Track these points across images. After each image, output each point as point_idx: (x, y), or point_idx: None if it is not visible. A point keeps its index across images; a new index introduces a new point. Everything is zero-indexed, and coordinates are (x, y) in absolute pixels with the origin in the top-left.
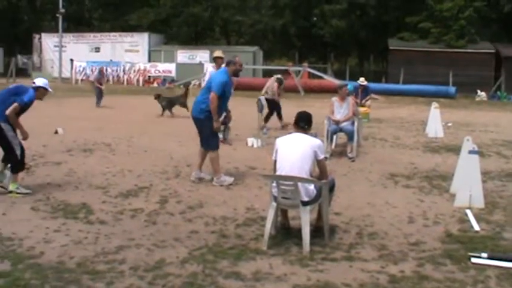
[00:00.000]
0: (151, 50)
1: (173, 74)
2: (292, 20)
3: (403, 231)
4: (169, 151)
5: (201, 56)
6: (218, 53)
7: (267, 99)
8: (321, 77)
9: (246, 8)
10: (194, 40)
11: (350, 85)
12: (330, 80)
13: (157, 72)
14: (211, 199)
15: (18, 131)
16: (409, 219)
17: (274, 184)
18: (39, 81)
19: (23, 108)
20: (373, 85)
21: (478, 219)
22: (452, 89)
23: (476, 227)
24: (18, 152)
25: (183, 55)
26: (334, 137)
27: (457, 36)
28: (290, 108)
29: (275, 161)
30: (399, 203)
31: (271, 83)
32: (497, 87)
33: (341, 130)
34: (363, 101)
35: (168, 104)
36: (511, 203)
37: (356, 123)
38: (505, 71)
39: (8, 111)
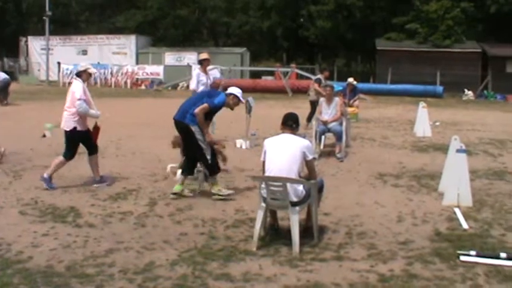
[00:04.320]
0: (139, 52)
1: (161, 76)
2: (279, 21)
3: (392, 231)
4: (157, 153)
5: (189, 58)
6: (204, 55)
7: (310, 101)
8: (309, 78)
9: (233, 10)
10: (182, 42)
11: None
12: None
13: (145, 74)
14: (200, 201)
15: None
16: (398, 218)
17: (263, 185)
18: (233, 89)
19: (212, 110)
20: (361, 85)
21: (466, 218)
22: (439, 89)
23: (465, 225)
24: (208, 156)
25: (170, 57)
26: (323, 137)
27: (443, 36)
28: (278, 110)
29: (264, 162)
30: (388, 203)
31: (312, 85)
32: (484, 87)
33: (329, 130)
34: (351, 101)
35: None
36: (498, 201)
37: (344, 124)
38: (491, 70)
39: (197, 110)
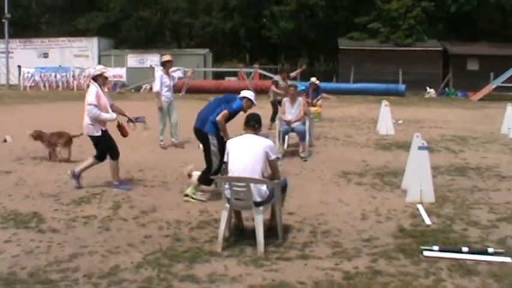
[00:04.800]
0: (101, 54)
1: (124, 79)
2: (242, 21)
3: (356, 228)
4: (120, 157)
5: (152, 60)
6: (167, 57)
7: (271, 102)
8: (273, 78)
9: (195, 11)
10: (144, 44)
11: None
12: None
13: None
14: (164, 203)
15: None
16: (362, 216)
17: (226, 186)
18: (245, 93)
19: (231, 115)
20: (324, 85)
21: (429, 214)
22: (402, 87)
23: (428, 221)
24: (214, 167)
25: (133, 59)
26: (286, 137)
27: (405, 35)
28: None
29: (227, 163)
30: (352, 201)
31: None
32: (446, 84)
33: (292, 130)
34: (314, 101)
35: None
36: (460, 197)
37: (307, 123)
38: (452, 68)
39: (218, 117)
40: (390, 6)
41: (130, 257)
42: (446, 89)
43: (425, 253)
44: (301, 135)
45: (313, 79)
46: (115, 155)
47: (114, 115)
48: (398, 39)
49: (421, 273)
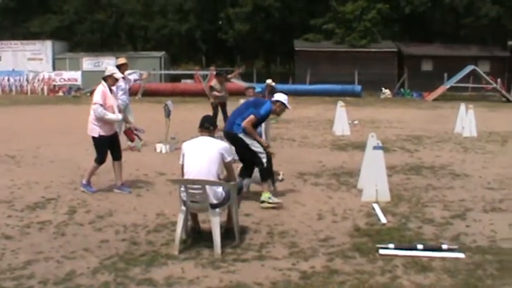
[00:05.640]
0: (55, 58)
1: (79, 82)
2: (198, 24)
3: (313, 228)
4: (76, 161)
5: (107, 62)
6: (122, 60)
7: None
8: (228, 80)
9: (151, 13)
10: (100, 47)
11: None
12: (237, 82)
13: (62, 80)
14: (120, 207)
15: None
16: (318, 216)
17: (182, 188)
18: (279, 96)
19: (259, 120)
20: (280, 86)
21: (385, 212)
22: (358, 88)
23: (383, 220)
24: (264, 160)
25: (88, 62)
26: None
27: (360, 36)
28: (198, 113)
29: (182, 165)
30: (308, 201)
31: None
32: (401, 85)
33: None
34: None
35: None
36: (415, 195)
37: (263, 125)
38: (407, 68)
39: (244, 123)
40: (345, 8)
41: (86, 262)
42: (402, 89)
43: (381, 251)
44: None
45: (269, 81)
46: (99, 159)
47: (119, 116)
48: (353, 41)
49: (377, 271)
